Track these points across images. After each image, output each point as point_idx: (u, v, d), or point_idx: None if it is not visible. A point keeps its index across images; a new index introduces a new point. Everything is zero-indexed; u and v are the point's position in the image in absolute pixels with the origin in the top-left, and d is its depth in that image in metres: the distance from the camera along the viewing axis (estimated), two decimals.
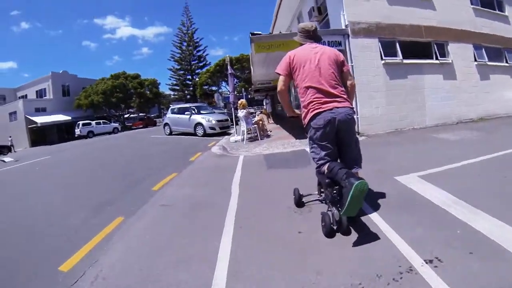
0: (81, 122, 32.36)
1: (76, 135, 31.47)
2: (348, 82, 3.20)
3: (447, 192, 3.54)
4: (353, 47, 8.52)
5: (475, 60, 10.49)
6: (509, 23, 11.87)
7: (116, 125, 36.25)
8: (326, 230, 2.87)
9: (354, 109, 3.20)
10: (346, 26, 8.60)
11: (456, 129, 8.48)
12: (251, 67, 12.53)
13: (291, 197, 3.79)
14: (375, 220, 3.05)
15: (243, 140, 9.49)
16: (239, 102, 10.27)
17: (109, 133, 33.27)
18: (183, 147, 10.96)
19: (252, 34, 8.14)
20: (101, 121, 34.69)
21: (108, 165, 9.31)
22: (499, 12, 11.70)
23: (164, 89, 57.49)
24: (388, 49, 8.94)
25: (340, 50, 8.53)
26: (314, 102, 2.96)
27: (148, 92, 44.71)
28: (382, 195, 3.72)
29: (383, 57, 8.82)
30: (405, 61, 9.09)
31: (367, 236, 2.77)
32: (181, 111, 15.70)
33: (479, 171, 4.36)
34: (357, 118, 8.49)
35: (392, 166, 5.05)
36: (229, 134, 13.28)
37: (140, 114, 46.92)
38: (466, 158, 4.98)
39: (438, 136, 7.53)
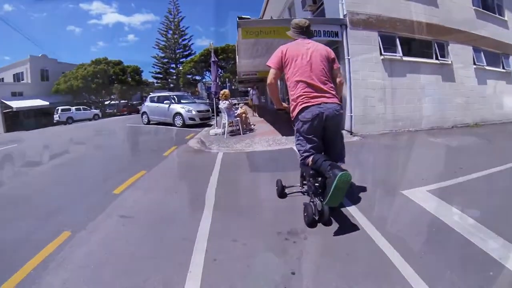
0: (60, 108, 30.61)
1: (55, 121, 29.67)
2: (337, 80, 3.30)
3: (465, 214, 2.98)
4: (351, 39, 7.80)
5: (474, 64, 10.01)
6: (507, 28, 11.46)
7: (97, 111, 34.65)
8: (308, 220, 2.96)
9: (342, 106, 3.23)
10: (344, 15, 7.87)
11: (453, 134, 7.98)
12: (237, 56, 11.75)
13: (282, 216, 3.15)
14: (390, 255, 2.37)
15: (223, 133, 8.68)
16: (222, 92, 9.41)
17: (89, 119, 31.54)
18: (158, 138, 10.13)
19: (240, 18, 7.32)
20: (81, 107, 32.97)
21: (72, 156, 8.29)
22: (498, 16, 11.29)
23: (148, 77, 56.03)
24: (387, 45, 8.25)
25: (336, 42, 8.01)
26: (304, 96, 3.04)
27: (130, 79, 43.26)
28: (393, 216, 3.05)
29: (383, 53, 8.11)
30: (405, 58, 8.45)
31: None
32: (161, 99, 14.71)
33: (493, 187, 3.83)
34: (351, 116, 7.87)
35: (396, 176, 4.39)
36: (209, 125, 12.50)
37: (122, 101, 45.37)
38: (475, 169, 4.37)
39: (437, 140, 6.94)
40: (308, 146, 3.13)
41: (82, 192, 4.70)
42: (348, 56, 7.80)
